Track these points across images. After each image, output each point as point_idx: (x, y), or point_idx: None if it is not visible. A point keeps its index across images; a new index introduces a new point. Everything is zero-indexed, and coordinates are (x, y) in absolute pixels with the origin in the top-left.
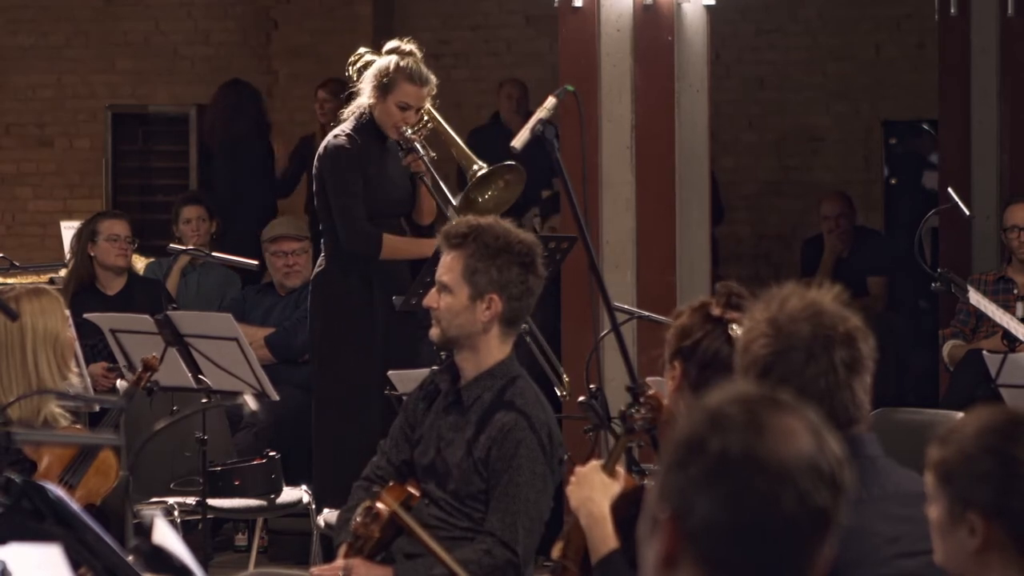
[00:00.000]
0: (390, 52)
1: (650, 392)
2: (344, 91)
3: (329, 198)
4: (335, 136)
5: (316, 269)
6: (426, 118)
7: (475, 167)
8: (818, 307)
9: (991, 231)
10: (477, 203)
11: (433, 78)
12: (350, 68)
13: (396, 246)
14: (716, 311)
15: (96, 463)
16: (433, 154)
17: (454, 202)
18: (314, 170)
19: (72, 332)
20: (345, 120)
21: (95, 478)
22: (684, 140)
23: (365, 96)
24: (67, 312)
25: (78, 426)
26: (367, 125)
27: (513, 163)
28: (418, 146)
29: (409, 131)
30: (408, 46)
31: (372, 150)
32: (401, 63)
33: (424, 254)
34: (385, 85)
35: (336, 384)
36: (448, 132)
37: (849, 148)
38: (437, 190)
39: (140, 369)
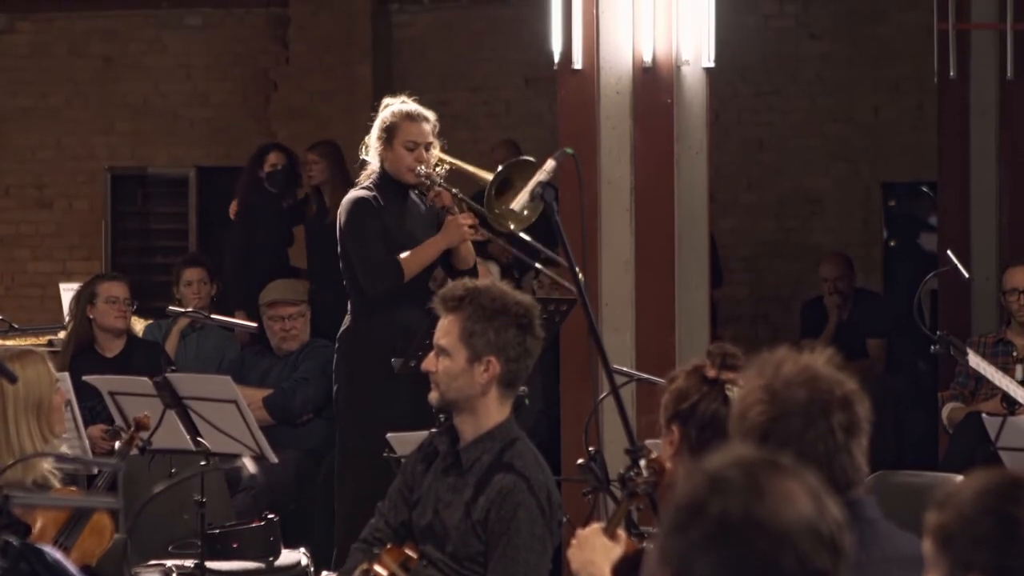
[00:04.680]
0: (385, 107)
1: (652, 455)
2: (334, 151)
3: (348, 248)
4: (352, 191)
5: (342, 327)
6: (437, 166)
7: (489, 180)
8: (813, 372)
9: (990, 293)
10: (513, 217)
11: (432, 114)
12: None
13: (412, 259)
14: (711, 373)
15: (91, 524)
16: (455, 189)
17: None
18: (337, 233)
19: (63, 395)
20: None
21: (90, 539)
22: (683, 202)
23: (375, 155)
24: (54, 374)
25: (73, 488)
26: (383, 182)
27: (520, 159)
28: (438, 179)
29: (424, 169)
30: (400, 97)
31: (393, 208)
32: (396, 108)
33: (440, 249)
34: (388, 131)
35: (358, 445)
36: (464, 167)
37: (848, 210)
38: (473, 211)
39: (132, 428)
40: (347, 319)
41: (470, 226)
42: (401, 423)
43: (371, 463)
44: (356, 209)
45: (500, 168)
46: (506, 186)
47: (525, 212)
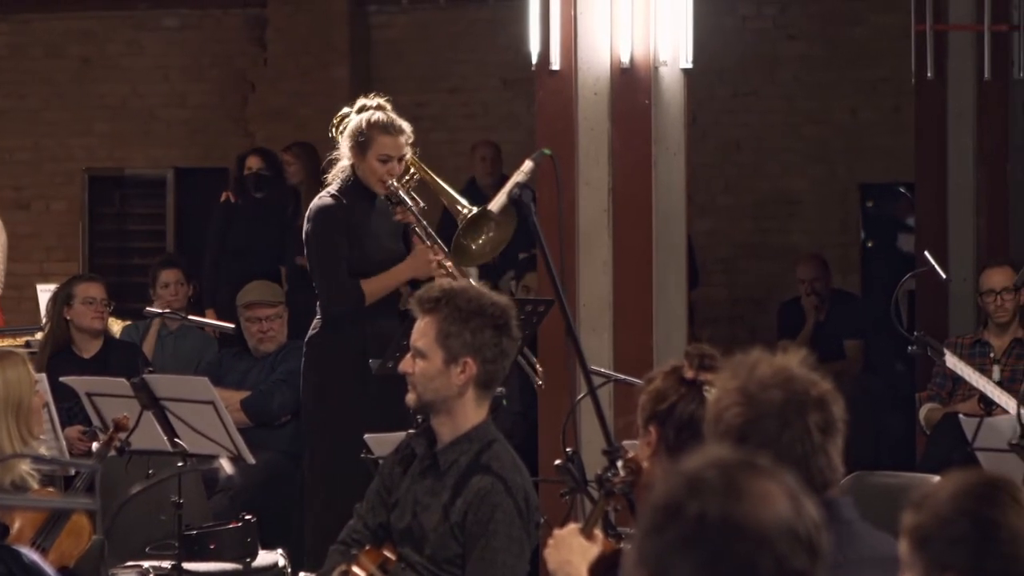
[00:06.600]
0: (360, 110)
1: (629, 455)
2: (310, 152)
3: (311, 261)
4: (320, 198)
5: (310, 331)
6: (412, 169)
7: (464, 212)
8: (788, 373)
9: (968, 294)
10: (471, 249)
11: (407, 126)
12: (333, 130)
13: (375, 286)
14: (689, 374)
15: (69, 525)
16: (422, 204)
17: (447, 250)
18: (304, 234)
19: (41, 396)
20: (330, 184)
21: (68, 540)
22: (661, 203)
23: (345, 158)
24: (34, 376)
25: (51, 489)
26: (352, 186)
27: (498, 218)
28: (405, 197)
29: (395, 183)
30: (376, 100)
31: (359, 211)
32: (372, 118)
33: (404, 279)
34: (362, 143)
35: (328, 448)
36: (435, 180)
37: (826, 211)
38: (430, 240)
39: (111, 429)
40: (315, 322)
41: (439, 263)
42: (371, 426)
43: (342, 467)
44: (323, 223)
45: (475, 211)
46: (475, 224)
47: (489, 246)
